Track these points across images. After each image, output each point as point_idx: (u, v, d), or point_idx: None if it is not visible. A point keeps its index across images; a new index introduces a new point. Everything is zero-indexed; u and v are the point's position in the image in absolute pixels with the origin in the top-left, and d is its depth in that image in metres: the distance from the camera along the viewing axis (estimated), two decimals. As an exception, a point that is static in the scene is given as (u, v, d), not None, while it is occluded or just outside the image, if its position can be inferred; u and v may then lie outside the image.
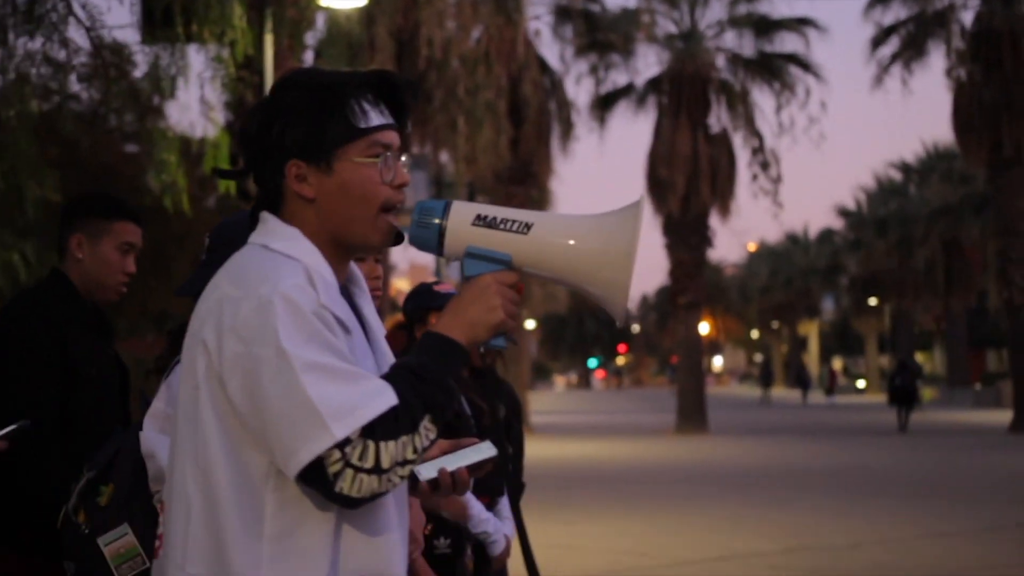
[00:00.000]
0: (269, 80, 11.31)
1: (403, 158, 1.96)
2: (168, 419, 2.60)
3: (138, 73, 10.73)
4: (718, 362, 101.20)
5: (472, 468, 2.07)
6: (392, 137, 1.95)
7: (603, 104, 29.27)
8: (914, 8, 28.20)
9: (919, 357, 60.22)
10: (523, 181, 26.49)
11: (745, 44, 29.26)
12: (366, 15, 16.51)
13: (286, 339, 1.76)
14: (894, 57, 28.54)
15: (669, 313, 33.51)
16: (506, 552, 4.30)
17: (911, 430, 26.84)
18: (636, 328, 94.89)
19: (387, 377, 1.82)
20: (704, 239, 28.66)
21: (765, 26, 29.11)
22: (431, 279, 4.87)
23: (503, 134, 22.54)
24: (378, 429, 1.75)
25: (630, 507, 12.84)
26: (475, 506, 4.13)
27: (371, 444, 1.74)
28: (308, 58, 15.36)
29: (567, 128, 27.92)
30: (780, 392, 64.64)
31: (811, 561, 9.38)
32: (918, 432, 26.26)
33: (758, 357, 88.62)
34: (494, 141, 21.86)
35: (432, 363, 1.84)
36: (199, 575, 1.84)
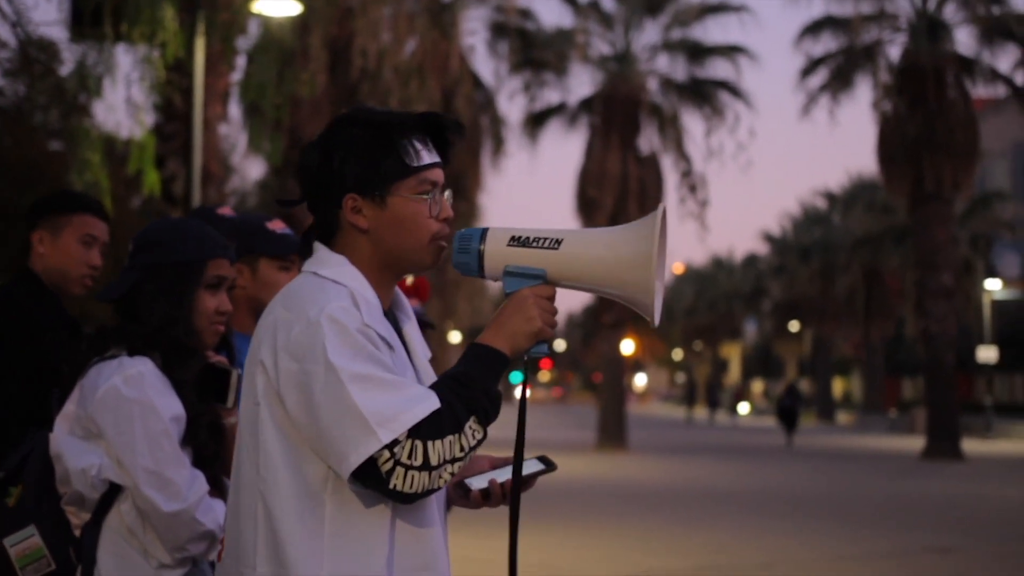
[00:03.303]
0: (199, 84, 11.22)
1: (447, 193, 2.14)
2: (79, 420, 2.60)
3: (65, 71, 10.59)
4: (641, 381, 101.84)
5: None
6: (439, 175, 2.13)
7: (535, 121, 29.39)
8: (843, 41, 28.70)
9: (838, 383, 61.12)
10: (453, 194, 26.47)
11: (677, 68, 29.56)
12: (300, 23, 16.44)
13: (333, 354, 1.93)
14: (822, 88, 29.01)
15: (593, 331, 33.70)
16: None
17: (795, 448, 29.82)
18: (562, 345, 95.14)
19: (432, 386, 1.99)
20: (631, 259, 28.82)
21: (697, 52, 29.43)
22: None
23: (434, 147, 22.52)
24: (424, 430, 1.91)
25: (544, 522, 12.88)
26: None
27: (419, 444, 1.91)
28: (240, 64, 15.27)
29: (498, 144, 27.99)
30: (699, 412, 65.20)
31: (722, 581, 9.49)
32: (833, 456, 26.66)
33: (681, 377, 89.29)
34: (425, 154, 21.82)
35: (475, 371, 2.01)
36: (267, 574, 1.99)
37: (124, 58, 9.70)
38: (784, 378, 68.22)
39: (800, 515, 14.24)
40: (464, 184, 26.84)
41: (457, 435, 1.94)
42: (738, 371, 79.81)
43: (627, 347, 36.26)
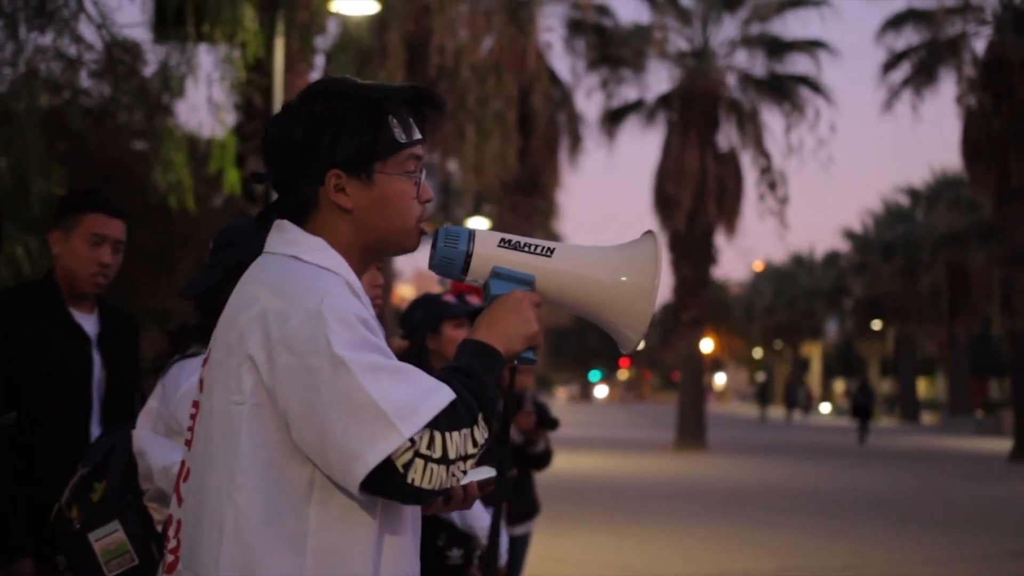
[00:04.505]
0: (279, 83, 11.33)
1: (423, 173, 2.01)
2: (161, 417, 2.63)
3: (148, 71, 10.77)
4: (720, 380, 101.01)
5: (480, 484, 2.21)
6: (422, 151, 1.99)
7: (612, 118, 29.31)
8: (926, 34, 28.23)
9: (922, 383, 60.16)
10: (530, 192, 26.52)
11: (756, 64, 29.33)
12: (378, 22, 16.55)
13: (339, 347, 1.77)
14: (905, 82, 28.56)
15: (672, 329, 33.44)
16: (506, 565, 4.36)
17: (868, 445, 30.55)
18: (640, 344, 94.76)
19: (438, 377, 1.84)
20: (709, 257, 28.67)
21: (777, 47, 29.15)
22: (435, 286, 4.93)
23: (511, 144, 22.56)
24: (443, 421, 1.77)
25: (623, 522, 12.83)
26: (487, 518, 4.15)
27: (437, 434, 1.76)
28: (319, 63, 15.40)
29: (576, 141, 27.96)
30: (779, 412, 64.58)
31: (802, 583, 9.37)
32: (917, 457, 26.25)
33: (761, 376, 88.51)
34: (502, 151, 21.89)
35: (478, 365, 1.87)
36: None
37: (205, 58, 9.92)
38: (867, 378, 67.33)
39: (882, 517, 14.02)
40: (541, 182, 26.84)
41: (471, 428, 1.80)
42: (819, 370, 78.83)
43: (706, 346, 36.05)
